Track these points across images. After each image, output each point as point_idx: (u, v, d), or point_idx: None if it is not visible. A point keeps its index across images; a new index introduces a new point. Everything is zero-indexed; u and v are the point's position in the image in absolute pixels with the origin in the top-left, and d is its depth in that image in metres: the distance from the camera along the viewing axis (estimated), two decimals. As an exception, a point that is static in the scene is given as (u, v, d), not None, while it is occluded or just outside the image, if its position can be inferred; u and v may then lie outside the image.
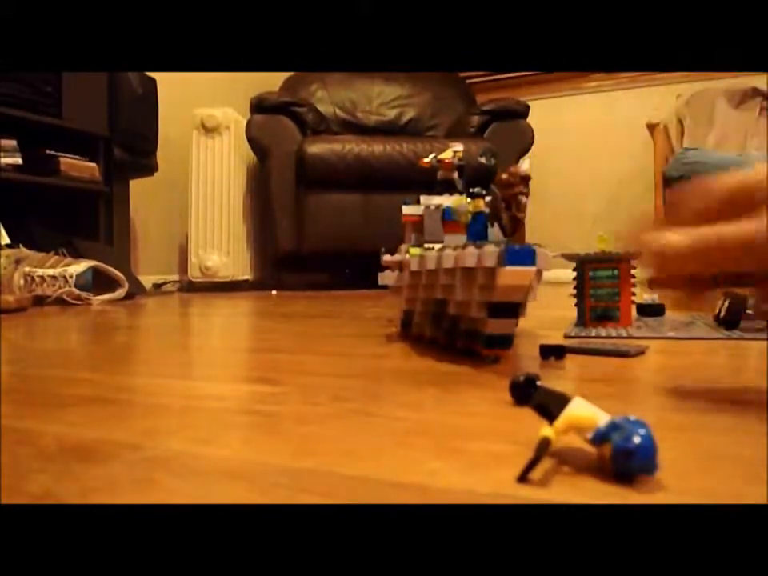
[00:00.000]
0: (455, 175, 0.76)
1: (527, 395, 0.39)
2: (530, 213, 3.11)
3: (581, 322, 0.78)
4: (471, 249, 0.52)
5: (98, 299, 1.65)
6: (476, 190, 0.70)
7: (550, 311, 1.11)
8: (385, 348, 0.68)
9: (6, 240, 1.74)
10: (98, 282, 1.68)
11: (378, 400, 0.41)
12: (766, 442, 0.30)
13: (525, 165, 0.74)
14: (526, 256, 0.47)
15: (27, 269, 1.58)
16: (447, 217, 0.71)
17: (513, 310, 0.52)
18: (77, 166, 2.04)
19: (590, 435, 0.25)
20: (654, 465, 0.24)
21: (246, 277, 2.64)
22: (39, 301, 1.56)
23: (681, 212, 0.32)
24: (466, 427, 0.34)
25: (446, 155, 0.76)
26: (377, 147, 2.38)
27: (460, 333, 0.60)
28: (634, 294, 0.77)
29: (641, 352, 0.59)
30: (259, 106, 2.43)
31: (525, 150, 2.54)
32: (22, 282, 1.55)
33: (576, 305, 0.79)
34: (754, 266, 0.29)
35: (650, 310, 0.92)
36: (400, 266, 0.73)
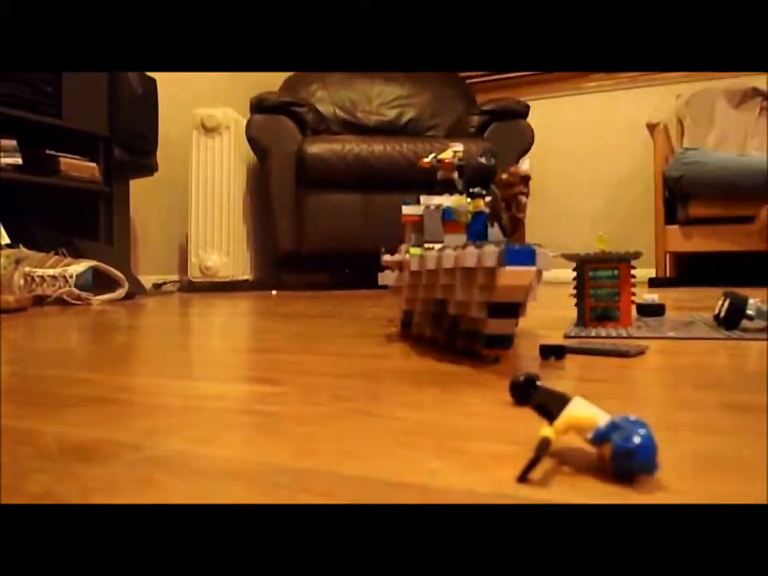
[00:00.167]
0: (455, 175, 0.76)
1: (527, 395, 0.39)
2: (530, 213, 3.12)
3: (581, 322, 0.78)
4: (471, 249, 0.52)
5: (98, 299, 1.65)
6: (476, 190, 0.70)
7: (550, 311, 1.11)
8: (385, 348, 0.68)
9: (6, 240, 1.75)
10: (98, 282, 1.68)
11: (378, 400, 0.41)
12: (765, 442, 0.30)
13: (525, 165, 0.75)
14: (526, 256, 0.47)
15: (27, 269, 1.58)
16: (447, 217, 0.71)
17: (513, 310, 0.52)
18: (77, 166, 2.04)
19: (590, 435, 0.25)
20: (654, 465, 0.24)
21: (246, 277, 2.64)
22: (39, 301, 1.56)
23: None
24: (466, 427, 0.34)
25: (446, 155, 0.76)
26: (377, 147, 2.38)
27: (460, 333, 0.60)
28: (634, 294, 0.77)
29: (641, 352, 0.59)
30: (259, 106, 2.43)
31: (525, 150, 2.54)
32: (21, 281, 1.55)
33: (576, 305, 0.79)
34: None
35: (649, 310, 0.92)
36: (400, 265, 0.73)
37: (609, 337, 0.70)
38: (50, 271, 1.59)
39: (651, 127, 2.55)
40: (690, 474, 0.26)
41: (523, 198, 0.71)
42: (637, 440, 0.24)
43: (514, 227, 0.69)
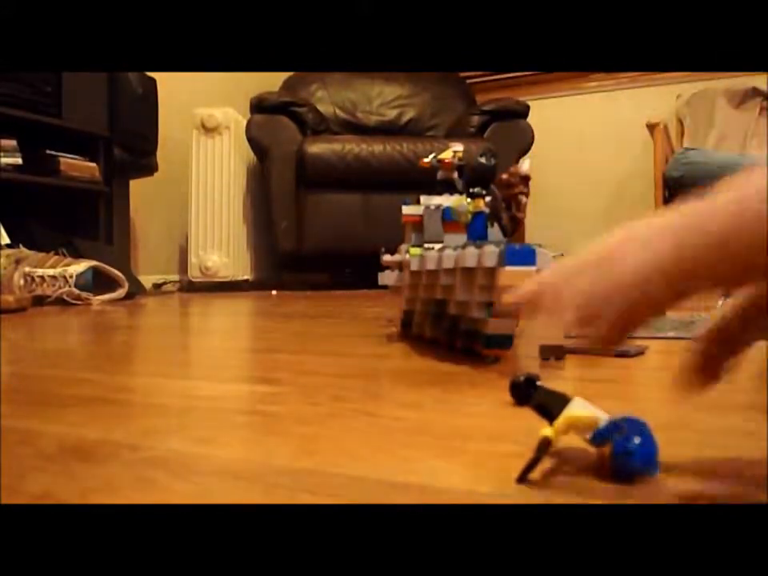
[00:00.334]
0: (455, 175, 0.76)
1: (527, 395, 0.39)
2: (530, 213, 3.11)
3: (581, 322, 0.78)
4: (471, 249, 0.52)
5: (98, 299, 1.65)
6: (476, 190, 0.70)
7: (550, 311, 1.11)
8: (385, 348, 0.68)
9: (6, 240, 1.74)
10: (98, 282, 1.67)
11: (378, 400, 0.41)
12: (765, 442, 0.30)
13: (525, 165, 0.75)
14: (526, 256, 0.47)
15: (27, 269, 1.58)
16: (447, 217, 0.71)
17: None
18: (77, 166, 2.04)
19: (589, 435, 0.25)
20: (655, 465, 0.24)
21: (246, 277, 2.64)
22: (39, 301, 1.56)
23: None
24: (466, 427, 0.34)
25: (446, 155, 0.76)
26: (377, 147, 2.38)
27: (460, 333, 0.60)
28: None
29: (641, 352, 0.59)
30: (259, 106, 2.43)
31: (525, 150, 2.54)
32: (21, 282, 1.55)
33: (576, 305, 0.79)
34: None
35: (650, 310, 0.92)
36: (400, 266, 0.73)
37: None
38: (50, 271, 1.59)
39: (651, 127, 2.55)
40: (689, 474, 0.26)
41: (523, 198, 0.71)
42: (637, 440, 0.24)
43: (514, 227, 0.69)
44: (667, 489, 0.24)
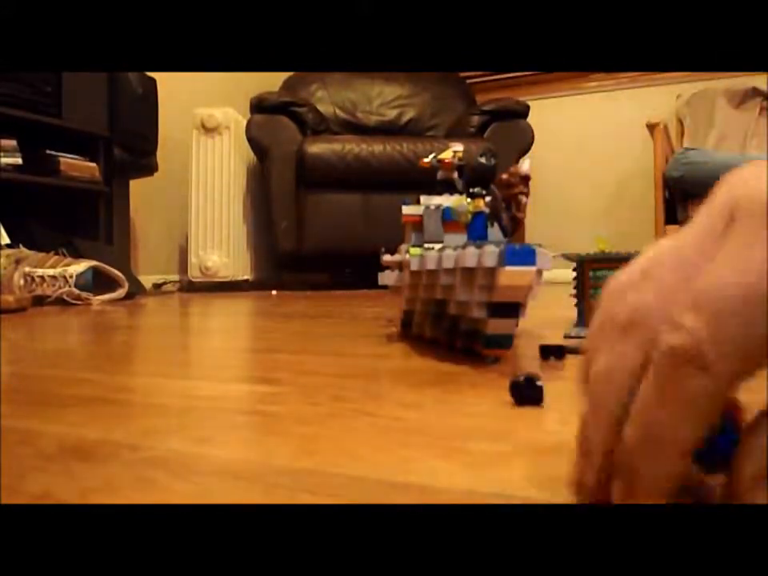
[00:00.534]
0: (455, 175, 0.76)
1: (527, 395, 0.39)
2: (530, 213, 3.11)
3: (581, 322, 0.78)
4: (471, 249, 0.52)
5: (98, 299, 1.65)
6: (476, 190, 0.70)
7: (550, 311, 1.11)
8: (385, 348, 0.68)
9: (6, 240, 1.74)
10: (98, 282, 1.67)
11: (378, 400, 0.41)
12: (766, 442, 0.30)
13: (525, 165, 0.74)
14: (526, 256, 0.47)
15: (27, 269, 1.58)
16: (447, 217, 0.71)
17: (513, 310, 0.52)
18: (77, 166, 2.04)
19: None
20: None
21: (246, 277, 2.64)
22: (39, 301, 1.56)
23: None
24: (466, 427, 0.34)
25: (446, 155, 0.76)
26: (377, 147, 2.38)
27: (460, 333, 0.60)
28: (634, 294, 0.77)
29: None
30: (259, 106, 2.43)
31: (525, 150, 2.54)
32: (21, 281, 1.55)
33: (576, 305, 0.79)
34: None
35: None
36: (400, 266, 0.73)
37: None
38: (50, 271, 1.59)
39: (651, 127, 2.55)
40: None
41: (523, 198, 0.71)
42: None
43: (514, 227, 0.69)
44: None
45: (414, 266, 0.63)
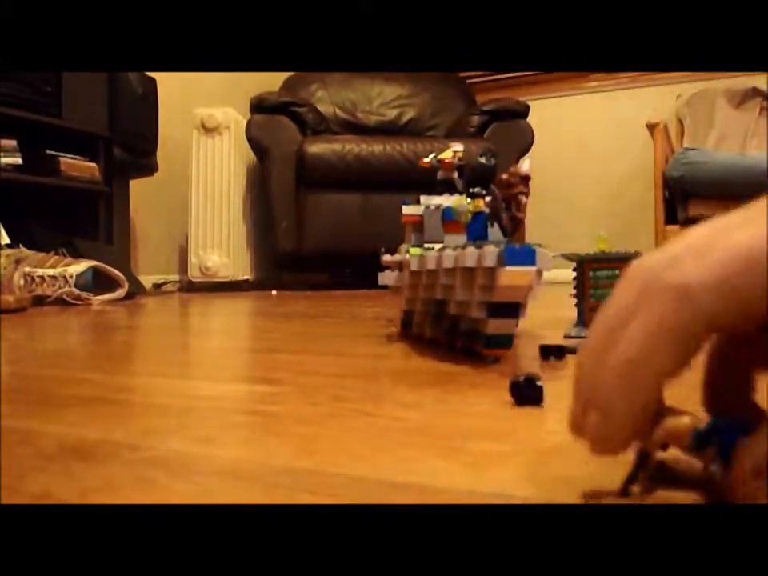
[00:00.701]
0: (455, 175, 0.76)
1: (527, 395, 0.39)
2: (530, 213, 3.11)
3: (581, 322, 0.78)
4: (471, 249, 0.52)
5: (98, 299, 1.65)
6: (476, 190, 0.70)
7: (550, 311, 1.11)
8: (385, 348, 0.68)
9: (6, 240, 1.74)
10: (98, 282, 1.67)
11: (378, 400, 0.41)
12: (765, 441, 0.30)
13: (525, 165, 0.74)
14: (526, 256, 0.47)
15: (27, 269, 1.58)
16: (447, 217, 0.71)
17: (513, 310, 0.52)
18: (77, 166, 2.04)
19: (688, 441, 0.22)
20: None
21: (246, 277, 2.64)
22: (39, 301, 1.56)
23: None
24: (466, 427, 0.34)
25: (446, 155, 0.76)
26: (377, 147, 2.38)
27: (460, 333, 0.60)
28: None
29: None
30: (259, 106, 2.43)
31: (525, 150, 2.54)
32: (21, 281, 1.55)
33: (576, 305, 0.79)
34: None
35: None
36: (400, 266, 0.73)
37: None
38: (50, 271, 1.59)
39: (651, 127, 2.55)
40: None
41: (523, 198, 0.71)
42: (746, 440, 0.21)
43: (514, 227, 0.69)
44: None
45: (414, 266, 0.63)
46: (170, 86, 2.49)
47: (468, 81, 3.11)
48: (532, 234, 3.01)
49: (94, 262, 1.67)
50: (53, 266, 1.61)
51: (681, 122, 2.75)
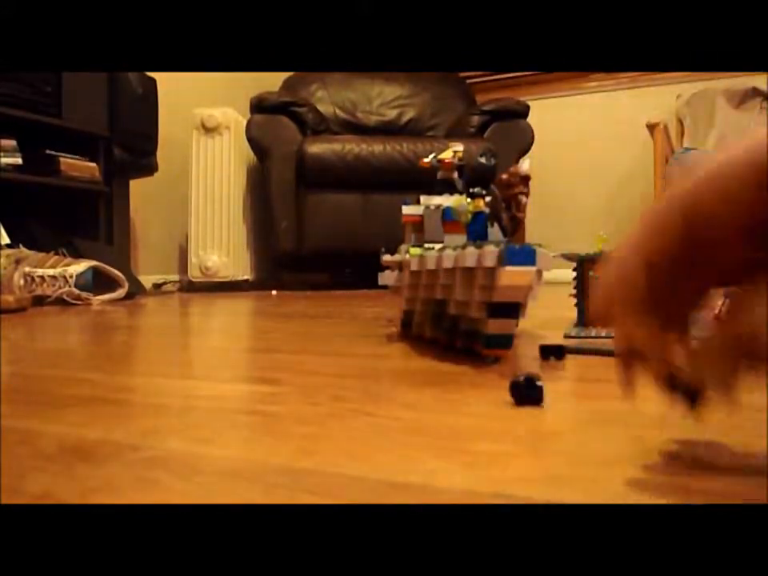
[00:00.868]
0: (455, 175, 0.76)
1: (527, 395, 0.39)
2: (530, 213, 3.11)
3: (581, 321, 0.78)
4: (471, 249, 0.52)
5: (98, 299, 1.65)
6: (476, 190, 0.70)
7: (550, 311, 1.11)
8: (385, 348, 0.68)
9: (6, 240, 1.74)
10: (98, 282, 1.67)
11: (378, 400, 0.41)
12: (765, 443, 0.30)
13: (525, 165, 0.75)
14: (526, 256, 0.47)
15: (27, 269, 1.58)
16: (447, 217, 0.71)
17: (513, 310, 0.52)
18: (77, 166, 2.04)
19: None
20: None
21: (246, 277, 2.64)
22: (39, 301, 1.56)
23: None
24: (466, 427, 0.34)
25: (446, 155, 0.76)
26: (377, 147, 2.38)
27: (460, 333, 0.60)
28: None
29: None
30: (259, 106, 2.43)
31: (525, 150, 2.54)
32: (21, 282, 1.55)
33: (576, 305, 0.79)
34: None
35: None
36: (400, 266, 0.73)
37: (609, 337, 0.70)
38: (50, 271, 1.59)
39: (651, 127, 2.55)
40: (689, 473, 0.26)
41: (523, 198, 0.71)
42: None
43: (514, 227, 0.69)
44: (666, 488, 0.24)
45: (414, 266, 0.63)
46: (170, 86, 2.49)
47: (468, 81, 3.11)
48: (532, 234, 3.01)
49: (93, 262, 1.67)
50: (53, 266, 1.61)
51: (681, 122, 2.76)
